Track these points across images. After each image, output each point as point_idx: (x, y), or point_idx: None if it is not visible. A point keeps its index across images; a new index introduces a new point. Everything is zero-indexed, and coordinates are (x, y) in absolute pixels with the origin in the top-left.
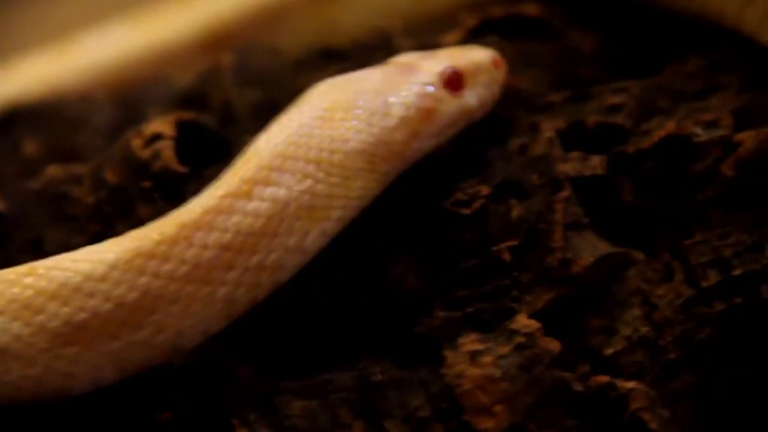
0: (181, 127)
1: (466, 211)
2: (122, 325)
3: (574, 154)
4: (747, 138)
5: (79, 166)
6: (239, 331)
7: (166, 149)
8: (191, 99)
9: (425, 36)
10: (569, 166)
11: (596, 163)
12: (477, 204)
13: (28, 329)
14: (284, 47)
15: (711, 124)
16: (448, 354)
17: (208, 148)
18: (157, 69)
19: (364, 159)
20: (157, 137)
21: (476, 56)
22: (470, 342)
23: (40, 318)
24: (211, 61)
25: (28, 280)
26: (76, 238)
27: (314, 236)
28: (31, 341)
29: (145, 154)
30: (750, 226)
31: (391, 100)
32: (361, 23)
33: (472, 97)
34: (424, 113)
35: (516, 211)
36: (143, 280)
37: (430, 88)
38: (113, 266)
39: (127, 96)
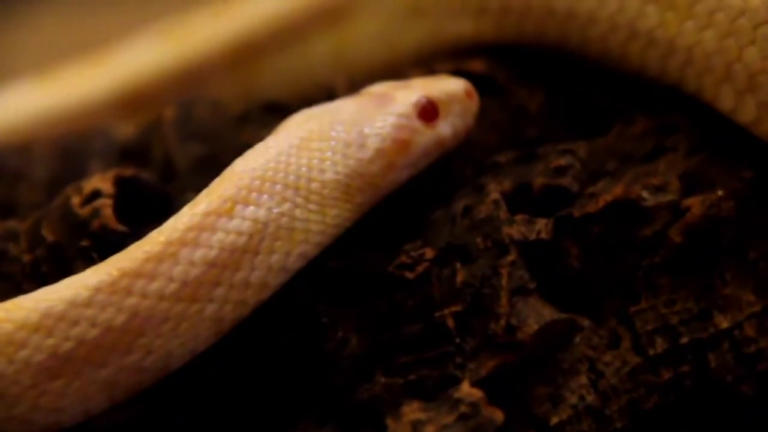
0: (121, 183)
1: (410, 275)
2: (111, 350)
3: (520, 217)
4: (694, 203)
5: (17, 222)
6: (174, 393)
7: (105, 207)
8: (133, 152)
9: None
10: (515, 229)
11: (542, 226)
12: (421, 268)
13: (11, 367)
14: (227, 101)
15: (658, 189)
16: (390, 423)
17: (149, 206)
18: (90, 123)
19: (339, 189)
20: (96, 194)
21: (449, 86)
22: (413, 411)
23: (24, 353)
24: (154, 114)
25: (8, 314)
26: (12, 297)
27: (295, 258)
28: (15, 379)
29: (83, 211)
30: (698, 293)
31: (367, 131)
32: (306, 77)
33: (446, 128)
34: (400, 145)
35: (461, 276)
36: (131, 300)
37: (406, 120)
38: (97, 289)
39: (68, 147)
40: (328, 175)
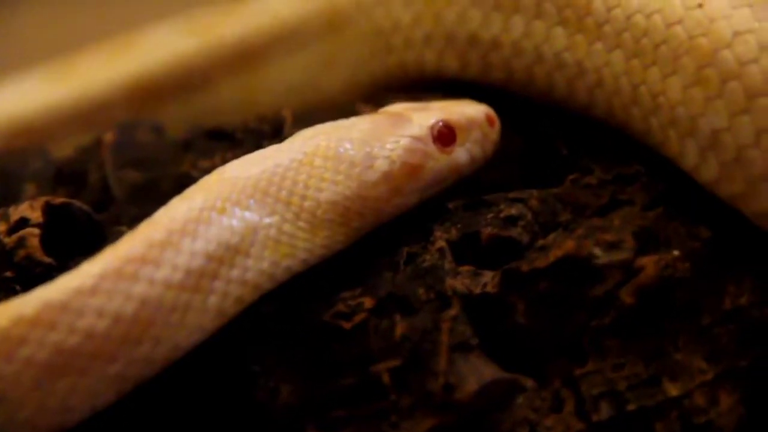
0: (51, 212)
1: (347, 325)
2: (122, 342)
3: (466, 269)
4: (648, 263)
5: None
6: None
7: (32, 237)
8: (69, 176)
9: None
10: (459, 281)
11: (488, 279)
12: (358, 318)
13: (10, 367)
14: (170, 126)
15: (611, 246)
16: None
17: (80, 236)
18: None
19: (336, 211)
20: (23, 223)
21: (470, 111)
22: None
23: (26, 349)
24: (93, 136)
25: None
26: None
27: (282, 270)
28: (16, 380)
29: (9, 241)
30: (647, 358)
31: (376, 152)
32: (252, 107)
33: (462, 154)
34: (410, 169)
35: (400, 329)
36: (139, 288)
37: (420, 143)
38: (102, 276)
39: (3, 167)
40: (325, 195)
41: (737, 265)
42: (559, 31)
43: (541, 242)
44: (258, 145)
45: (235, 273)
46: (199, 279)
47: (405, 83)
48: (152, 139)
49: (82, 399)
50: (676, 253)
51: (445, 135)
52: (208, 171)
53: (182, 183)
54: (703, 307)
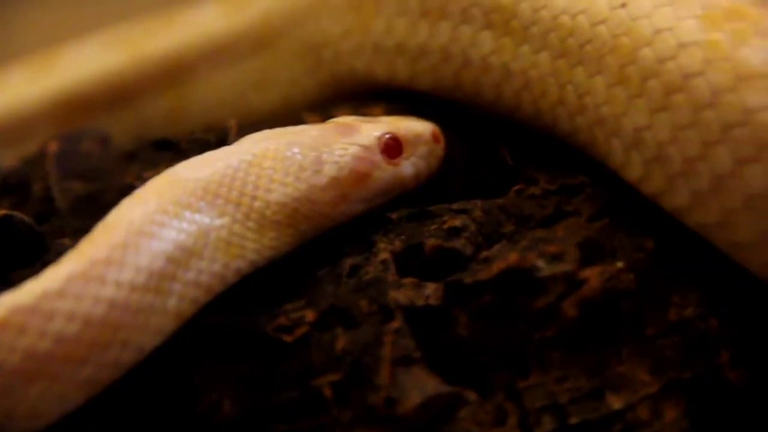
0: None
1: (288, 339)
2: (92, 345)
3: (409, 281)
4: (592, 275)
5: None
6: None
7: None
8: (13, 186)
9: None
10: (402, 293)
11: (431, 292)
12: (300, 331)
13: None
14: (115, 135)
15: (555, 257)
16: None
17: (21, 248)
18: None
19: (284, 213)
20: None
21: (417, 127)
22: None
23: None
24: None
25: None
26: None
27: (232, 271)
28: None
29: None
30: (590, 371)
31: (325, 157)
32: (198, 117)
33: (408, 167)
34: (358, 176)
35: (341, 342)
36: (107, 291)
37: (368, 152)
38: (69, 278)
39: None
40: (274, 197)
41: (682, 277)
42: (486, 35)
43: (484, 254)
44: None
45: (190, 275)
46: (159, 281)
47: (341, 96)
48: (97, 149)
49: (52, 404)
50: (620, 264)
51: (392, 147)
52: None
53: (126, 194)
54: (647, 318)
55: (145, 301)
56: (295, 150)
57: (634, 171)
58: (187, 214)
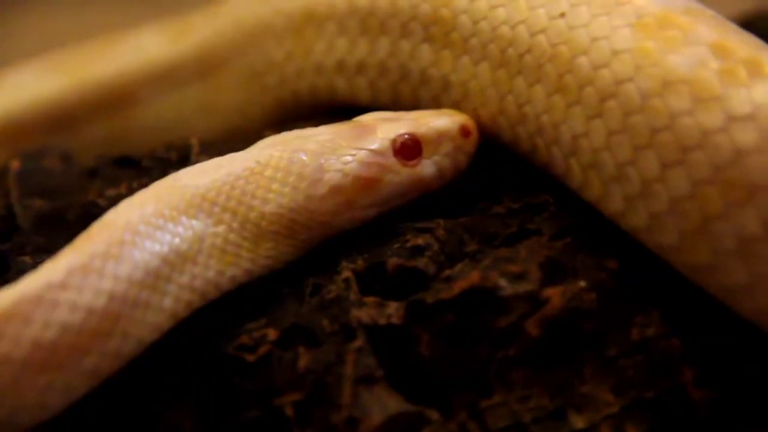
0: None
1: (250, 358)
2: (95, 335)
3: (371, 300)
4: (554, 294)
5: None
6: None
7: None
8: None
9: (224, 153)
10: (364, 312)
11: (393, 311)
12: (262, 350)
13: None
14: (77, 153)
15: (517, 277)
16: None
17: None
18: None
19: (280, 223)
20: None
21: (442, 122)
22: None
23: (1, 346)
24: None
25: None
26: None
27: (227, 279)
28: None
29: None
30: (553, 390)
31: (329, 164)
32: (158, 135)
33: (428, 167)
34: (363, 183)
35: (303, 361)
36: (107, 283)
37: (378, 156)
38: (70, 271)
39: None
40: (269, 208)
41: (644, 296)
42: (425, 48)
43: (447, 273)
44: (165, 173)
45: (184, 278)
46: (155, 280)
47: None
48: (59, 166)
49: (59, 395)
50: (582, 284)
51: (410, 147)
52: (114, 200)
53: (88, 212)
54: (609, 338)
55: (142, 296)
56: (299, 157)
57: (575, 179)
58: (183, 219)
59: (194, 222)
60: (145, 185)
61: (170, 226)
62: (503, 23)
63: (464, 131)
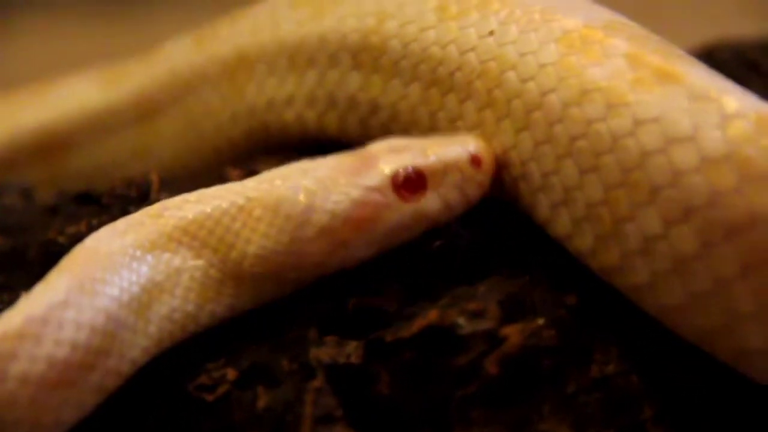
0: None
1: (209, 398)
2: (98, 353)
3: (330, 339)
4: (513, 332)
5: None
6: None
7: None
8: None
9: (184, 190)
10: (323, 351)
11: (352, 350)
12: (221, 390)
13: (6, 384)
14: (38, 188)
15: (476, 315)
16: None
17: None
18: None
19: (264, 265)
20: None
21: (451, 153)
22: None
23: (18, 366)
24: None
25: None
26: None
27: (206, 314)
28: (12, 397)
29: None
30: (512, 427)
31: (319, 203)
32: (119, 171)
33: (433, 201)
34: (357, 223)
35: (263, 401)
36: (103, 301)
37: (375, 194)
38: (69, 290)
39: None
40: (252, 249)
41: (604, 332)
42: (353, 76)
43: (406, 311)
44: (125, 210)
45: (163, 309)
46: (138, 305)
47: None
48: (20, 203)
49: (72, 411)
50: (541, 321)
51: (413, 181)
52: (75, 237)
53: (49, 250)
54: (569, 375)
55: (129, 319)
56: (290, 196)
57: (508, 192)
58: (159, 251)
59: (169, 255)
60: (105, 223)
61: (147, 257)
62: (434, 44)
63: (475, 161)
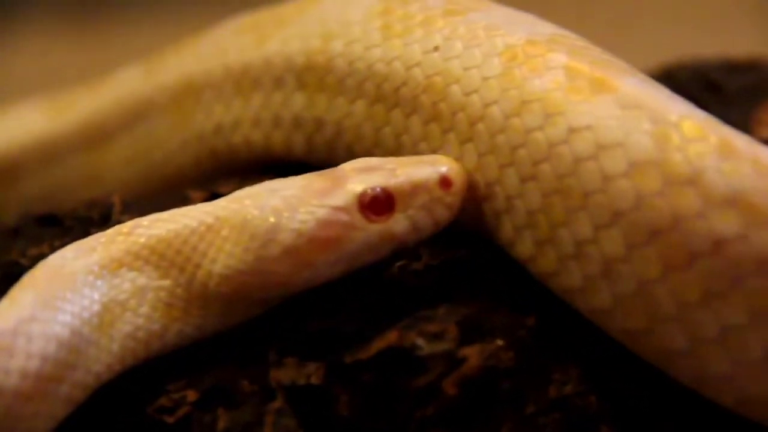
0: None
1: (170, 420)
2: (65, 366)
3: (290, 360)
4: (472, 353)
5: None
6: None
7: None
8: None
9: (146, 212)
10: (283, 372)
11: (312, 371)
12: (182, 412)
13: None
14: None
15: (435, 336)
16: None
17: None
18: None
19: (230, 285)
20: None
21: (420, 173)
22: None
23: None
24: None
25: None
26: None
27: (173, 333)
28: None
29: None
30: None
31: (284, 223)
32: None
33: (400, 222)
34: (321, 243)
35: (223, 422)
36: (66, 318)
37: (340, 214)
38: (35, 305)
39: None
40: (218, 268)
41: (563, 353)
42: (298, 96)
43: (366, 332)
44: (86, 232)
45: (126, 327)
46: (100, 322)
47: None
48: None
49: (45, 422)
50: (500, 342)
51: (381, 202)
52: (37, 259)
53: (11, 272)
54: (527, 396)
55: (93, 335)
56: (257, 215)
57: None
58: (124, 270)
59: (135, 273)
60: (67, 245)
61: (109, 276)
62: (379, 61)
63: (444, 182)
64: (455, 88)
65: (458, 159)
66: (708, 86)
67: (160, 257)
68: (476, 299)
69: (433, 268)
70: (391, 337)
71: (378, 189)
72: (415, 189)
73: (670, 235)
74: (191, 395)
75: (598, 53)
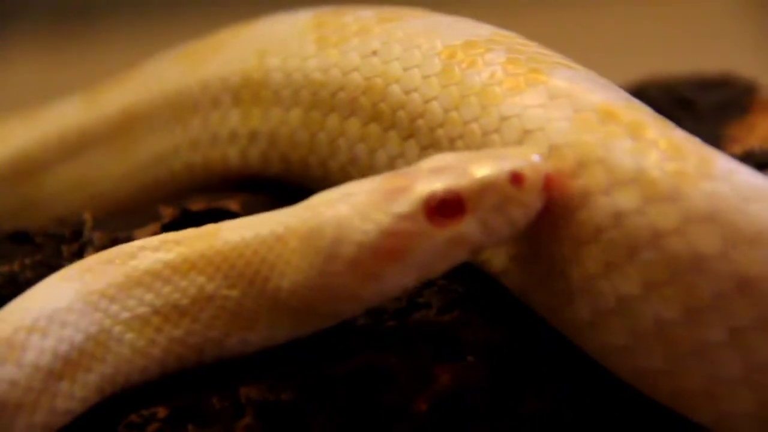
0: None
1: None
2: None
3: (261, 376)
4: (443, 370)
5: None
6: None
7: None
8: None
9: (118, 228)
10: (254, 389)
11: (283, 387)
12: (151, 428)
13: (21, 371)
14: None
15: (408, 353)
16: None
17: None
18: None
19: (298, 299)
20: None
21: (489, 172)
22: None
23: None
24: None
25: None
26: None
27: (237, 340)
28: (28, 384)
29: None
30: None
31: (347, 235)
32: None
33: (471, 226)
34: (386, 254)
35: None
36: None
37: (405, 222)
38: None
39: None
40: (286, 283)
41: (536, 368)
42: (234, 112)
43: (338, 348)
44: (58, 249)
45: (177, 332)
46: (143, 325)
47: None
48: None
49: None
50: (471, 358)
51: (450, 205)
52: (8, 276)
53: None
54: (500, 412)
55: (127, 336)
56: (321, 226)
57: None
58: (193, 275)
59: (203, 279)
60: (38, 263)
61: (178, 279)
62: (315, 70)
63: (515, 179)
64: (395, 88)
65: (400, 155)
66: (680, 103)
67: (230, 267)
68: (447, 315)
69: None
70: (362, 354)
71: (446, 193)
72: (486, 189)
73: (580, 214)
74: (161, 412)
75: (536, 48)
